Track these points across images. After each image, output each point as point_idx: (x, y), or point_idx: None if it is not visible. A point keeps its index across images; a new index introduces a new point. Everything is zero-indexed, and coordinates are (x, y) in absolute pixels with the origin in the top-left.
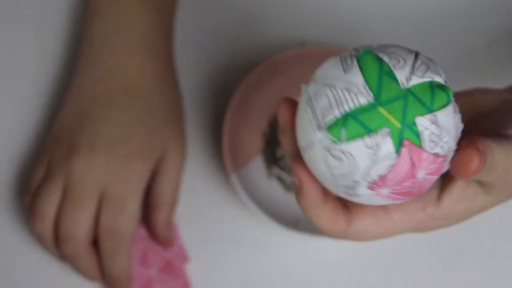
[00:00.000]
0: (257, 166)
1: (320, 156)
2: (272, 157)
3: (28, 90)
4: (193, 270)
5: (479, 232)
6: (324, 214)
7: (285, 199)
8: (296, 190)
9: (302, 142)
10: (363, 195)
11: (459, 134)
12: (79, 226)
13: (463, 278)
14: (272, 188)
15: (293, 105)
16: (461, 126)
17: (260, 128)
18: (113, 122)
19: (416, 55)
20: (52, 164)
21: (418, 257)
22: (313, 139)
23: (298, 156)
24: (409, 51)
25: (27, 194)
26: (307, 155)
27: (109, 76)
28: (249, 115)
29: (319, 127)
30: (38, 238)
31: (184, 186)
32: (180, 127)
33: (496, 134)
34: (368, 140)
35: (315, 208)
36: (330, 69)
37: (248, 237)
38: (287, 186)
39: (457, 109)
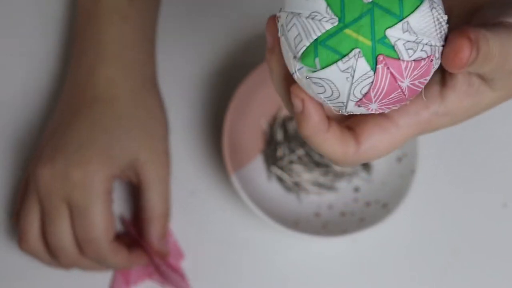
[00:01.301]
0: (257, 166)
1: (305, 83)
2: (272, 157)
3: (26, 109)
4: (193, 270)
5: (479, 232)
6: (332, 139)
7: (285, 199)
8: (298, 115)
9: (289, 68)
10: (356, 111)
11: (444, 28)
12: (62, 238)
13: (463, 278)
14: (272, 188)
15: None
16: (444, 18)
17: (260, 128)
18: (74, 130)
19: None
20: (27, 180)
21: (418, 257)
22: (294, 68)
23: (291, 79)
24: None
25: (14, 215)
26: (296, 80)
27: (80, 89)
28: (249, 115)
29: (295, 58)
30: (32, 257)
31: (184, 186)
32: (157, 138)
33: (492, 23)
34: (341, 64)
35: (321, 134)
36: None
37: (248, 237)
38: (287, 186)
39: (436, 2)
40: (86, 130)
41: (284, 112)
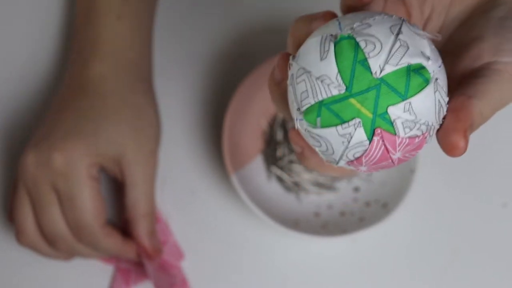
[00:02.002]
0: (257, 166)
1: (303, 132)
2: (272, 157)
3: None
4: (193, 270)
5: (479, 232)
6: (331, 169)
7: (285, 199)
8: (298, 154)
9: (291, 112)
10: (346, 167)
11: (443, 109)
12: (57, 225)
13: (463, 278)
14: (272, 188)
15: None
16: (445, 100)
17: (260, 128)
18: (61, 120)
19: (398, 34)
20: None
21: (418, 257)
22: (296, 117)
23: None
24: (392, 28)
25: (8, 211)
26: (296, 126)
27: (73, 84)
28: (249, 115)
29: (299, 109)
30: (32, 251)
31: (184, 186)
32: (145, 137)
33: (481, 69)
34: (340, 129)
35: (321, 167)
36: (309, 51)
37: (248, 237)
38: (286, 186)
39: (441, 85)
40: (73, 120)
41: (284, 114)
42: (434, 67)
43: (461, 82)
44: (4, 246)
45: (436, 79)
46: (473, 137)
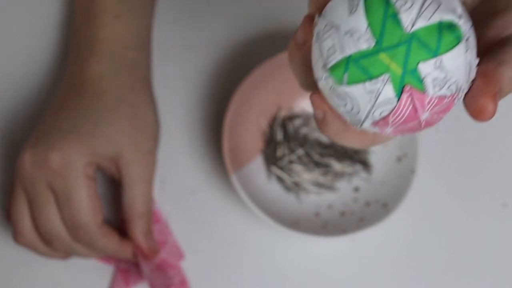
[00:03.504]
0: (257, 166)
1: (328, 92)
2: (272, 157)
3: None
4: (193, 270)
5: (479, 232)
6: (352, 136)
7: (285, 199)
8: (319, 120)
9: (314, 73)
10: (370, 129)
11: (473, 72)
12: (53, 224)
13: (463, 278)
14: (272, 188)
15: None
16: (475, 62)
17: (260, 128)
18: (59, 120)
19: None
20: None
21: (418, 257)
22: (321, 76)
23: (314, 86)
24: None
25: (7, 211)
26: (319, 86)
27: (71, 83)
28: (249, 115)
29: (324, 66)
30: (29, 250)
31: (184, 186)
32: (142, 137)
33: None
34: (368, 85)
35: (341, 134)
36: (338, 7)
37: (248, 237)
38: (287, 186)
39: (471, 46)
40: (71, 120)
41: (284, 112)
42: (466, 26)
43: (488, 52)
44: (3, 246)
45: (468, 38)
46: (473, 137)
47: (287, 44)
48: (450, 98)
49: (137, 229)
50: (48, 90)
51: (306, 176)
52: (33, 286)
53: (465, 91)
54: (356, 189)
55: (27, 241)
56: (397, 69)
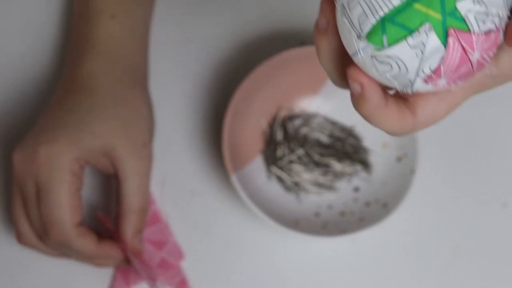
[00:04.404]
0: (257, 166)
1: (369, 63)
2: (272, 157)
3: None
4: (193, 270)
5: (479, 232)
6: (390, 115)
7: (285, 199)
8: (356, 96)
9: (348, 50)
10: (422, 89)
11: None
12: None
13: (463, 278)
14: (272, 188)
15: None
16: None
17: (260, 128)
18: (49, 117)
19: None
20: None
21: (418, 257)
22: (357, 49)
23: (342, 58)
24: None
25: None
26: (357, 61)
27: (66, 82)
28: (249, 115)
29: (359, 37)
30: (33, 250)
31: (184, 186)
32: (135, 131)
33: None
34: (411, 40)
35: (380, 112)
36: None
37: (248, 237)
38: (287, 186)
39: None
40: (59, 116)
41: (284, 112)
42: None
43: None
44: (3, 247)
45: None
46: (473, 137)
47: (289, 43)
48: (495, 31)
49: (127, 225)
50: (48, 90)
51: (306, 176)
52: (33, 286)
53: (506, 21)
54: (356, 189)
55: (28, 241)
56: (436, 15)
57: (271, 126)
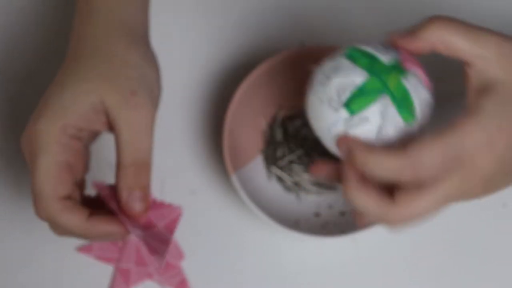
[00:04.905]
0: (257, 166)
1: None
2: (272, 157)
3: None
4: (193, 269)
5: (479, 232)
6: (369, 193)
7: (285, 199)
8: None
9: (325, 125)
10: (391, 134)
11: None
12: None
13: (463, 278)
14: (272, 188)
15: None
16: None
17: (260, 128)
18: (44, 94)
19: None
20: None
21: (418, 257)
22: (337, 118)
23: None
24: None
25: None
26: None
27: (67, 54)
28: (249, 115)
29: (336, 109)
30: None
31: (184, 186)
32: (121, 79)
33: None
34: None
35: (358, 190)
36: (328, 66)
37: (248, 237)
38: (287, 186)
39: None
40: (48, 91)
41: (284, 112)
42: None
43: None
44: (3, 246)
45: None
46: None
47: (289, 43)
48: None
49: (119, 182)
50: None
51: (306, 176)
52: (33, 286)
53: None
54: None
55: (46, 218)
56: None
57: (271, 126)
